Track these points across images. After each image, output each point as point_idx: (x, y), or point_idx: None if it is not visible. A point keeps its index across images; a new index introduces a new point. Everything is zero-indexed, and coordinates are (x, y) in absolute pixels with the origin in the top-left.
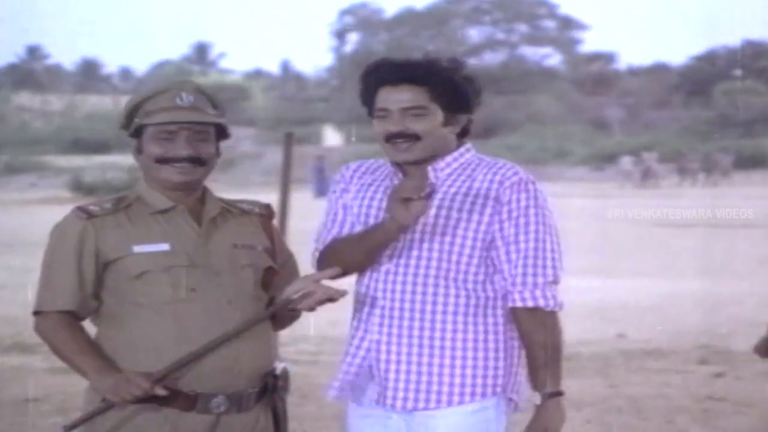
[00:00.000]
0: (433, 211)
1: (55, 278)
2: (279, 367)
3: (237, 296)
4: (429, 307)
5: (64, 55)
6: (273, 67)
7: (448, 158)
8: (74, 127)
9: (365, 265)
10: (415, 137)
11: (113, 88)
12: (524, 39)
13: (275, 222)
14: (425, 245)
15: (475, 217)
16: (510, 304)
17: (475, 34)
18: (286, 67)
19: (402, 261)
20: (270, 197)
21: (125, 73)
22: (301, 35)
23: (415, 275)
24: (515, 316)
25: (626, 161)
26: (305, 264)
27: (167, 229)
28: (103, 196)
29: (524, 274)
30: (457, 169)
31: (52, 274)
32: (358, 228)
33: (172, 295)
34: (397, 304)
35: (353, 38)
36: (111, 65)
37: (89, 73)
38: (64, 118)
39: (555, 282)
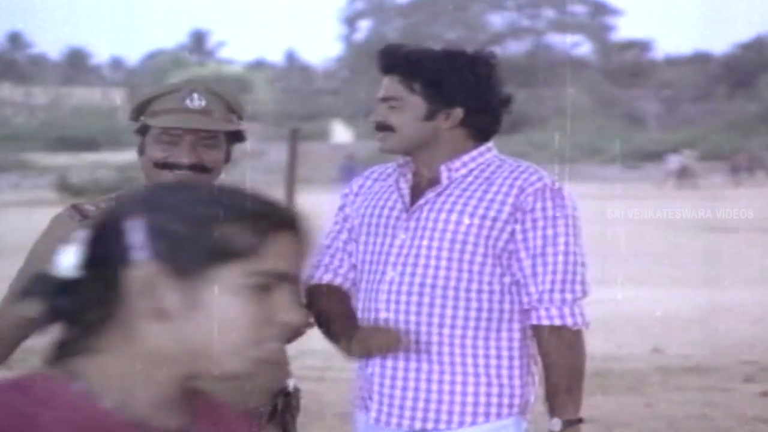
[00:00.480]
0: (443, 215)
1: None
2: (290, 384)
3: None
4: (437, 320)
5: (49, 43)
6: (277, 57)
7: (465, 158)
8: (60, 122)
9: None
10: (389, 128)
11: (103, 79)
12: (551, 26)
13: None
14: (433, 252)
15: (488, 223)
16: (533, 322)
17: (497, 20)
18: (291, 57)
19: (408, 269)
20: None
21: (116, 63)
22: (308, 22)
23: (422, 285)
24: (537, 334)
25: (673, 160)
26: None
27: None
28: (92, 197)
29: (551, 291)
30: (474, 170)
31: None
32: (352, 257)
33: None
34: (402, 317)
35: (364, 25)
36: (100, 55)
37: (76, 64)
38: (48, 112)
39: (583, 298)
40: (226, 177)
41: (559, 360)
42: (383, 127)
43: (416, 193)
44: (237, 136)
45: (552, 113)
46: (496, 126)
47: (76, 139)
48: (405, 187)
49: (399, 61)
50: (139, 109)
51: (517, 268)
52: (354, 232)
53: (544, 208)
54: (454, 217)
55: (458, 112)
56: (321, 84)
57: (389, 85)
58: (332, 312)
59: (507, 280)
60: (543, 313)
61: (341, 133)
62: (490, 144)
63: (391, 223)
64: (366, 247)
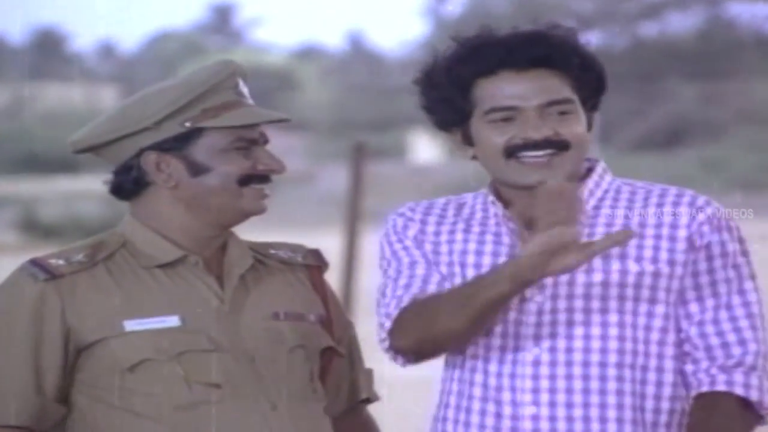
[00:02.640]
0: (597, 263)
1: (1, 373)
2: None
3: (284, 395)
4: (613, 413)
5: (9, 21)
6: (335, 41)
7: (590, 182)
8: (25, 133)
9: (467, 335)
10: (564, 146)
11: (86, 72)
12: None
13: (329, 275)
14: (595, 317)
15: (665, 269)
16: (703, 389)
17: None
18: (354, 40)
19: (560, 344)
20: (328, 240)
21: (104, 50)
22: None
23: (586, 365)
24: (701, 406)
25: None
26: (366, 337)
27: (174, 293)
28: (68, 240)
29: (744, 354)
30: (605, 199)
31: None
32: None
33: (187, 395)
34: (562, 411)
35: None
36: (82, 37)
37: (48, 50)
38: (8, 118)
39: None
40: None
41: None
42: (554, 144)
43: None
44: None
45: (731, 118)
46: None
47: (47, 158)
48: (514, 227)
49: (564, 51)
50: (179, 112)
51: (681, 315)
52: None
53: (722, 242)
54: (615, 264)
55: (596, 120)
56: (396, 79)
57: (550, 84)
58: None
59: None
60: (721, 377)
61: (424, 149)
62: (603, 163)
63: None
64: None
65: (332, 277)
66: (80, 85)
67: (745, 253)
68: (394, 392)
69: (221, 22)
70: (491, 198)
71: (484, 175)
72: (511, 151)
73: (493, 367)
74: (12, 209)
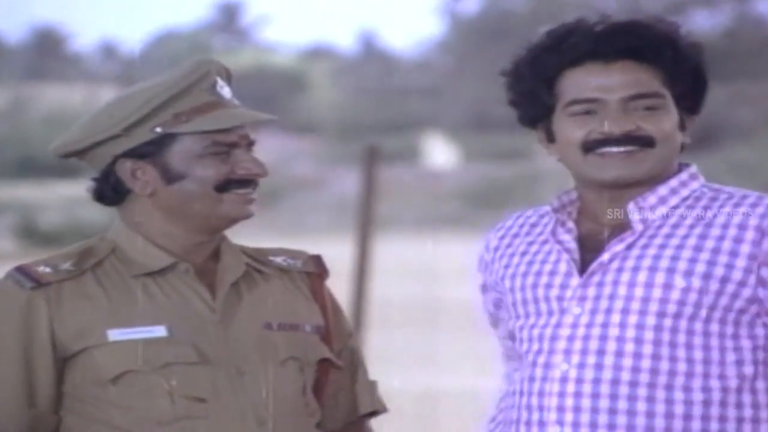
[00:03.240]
0: (642, 277)
1: None
2: None
3: (273, 410)
4: None
5: (9, 22)
6: (346, 41)
7: (662, 190)
8: (23, 135)
9: None
10: (648, 142)
11: (87, 73)
12: None
13: (331, 284)
14: (630, 333)
15: (714, 286)
16: None
17: None
18: (367, 40)
19: (590, 360)
20: (339, 247)
21: (106, 49)
22: None
23: (615, 383)
24: None
25: None
26: (377, 348)
27: (163, 302)
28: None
29: None
30: (678, 207)
31: None
32: (520, 322)
33: (169, 409)
34: None
35: None
36: (83, 36)
37: (48, 50)
38: (6, 121)
39: None
40: (268, 216)
41: None
42: (637, 140)
43: (591, 245)
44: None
45: (763, 119)
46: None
47: (46, 162)
48: (569, 239)
49: (651, 43)
50: (148, 117)
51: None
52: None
53: None
54: (660, 278)
55: (695, 122)
56: (410, 80)
57: (637, 77)
58: None
59: (747, 343)
60: None
61: (440, 153)
62: (694, 169)
63: (553, 294)
64: (521, 333)
65: (343, 286)
66: (81, 86)
67: None
68: (396, 406)
69: (228, 20)
70: (552, 206)
71: (501, 180)
72: (590, 147)
73: (526, 386)
74: (10, 215)
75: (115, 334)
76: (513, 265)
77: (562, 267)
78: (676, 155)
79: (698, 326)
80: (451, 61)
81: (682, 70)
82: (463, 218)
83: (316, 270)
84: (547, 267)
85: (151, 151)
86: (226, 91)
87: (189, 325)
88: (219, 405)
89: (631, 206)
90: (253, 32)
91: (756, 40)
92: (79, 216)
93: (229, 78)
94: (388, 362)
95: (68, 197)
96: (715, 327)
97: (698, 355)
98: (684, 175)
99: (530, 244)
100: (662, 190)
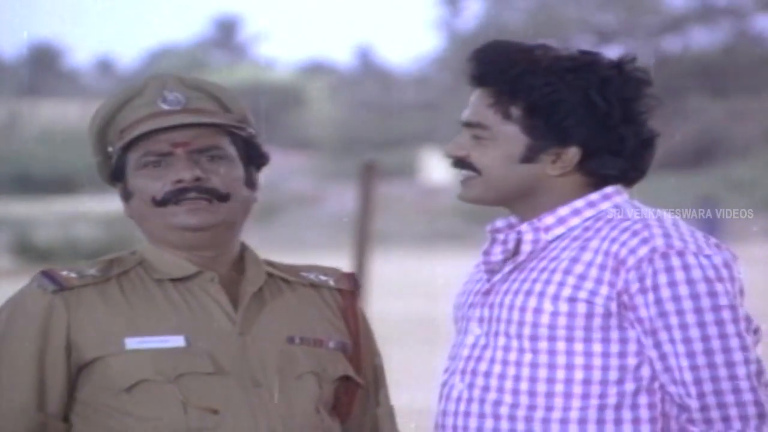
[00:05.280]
0: (519, 300)
1: (1, 386)
2: None
3: (287, 423)
4: None
5: (5, 38)
6: (343, 57)
7: (563, 210)
8: (19, 151)
9: None
10: (472, 168)
11: (83, 89)
12: (758, 4)
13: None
14: (512, 356)
15: (581, 309)
16: None
17: None
18: (364, 56)
19: (479, 382)
20: (336, 264)
21: (102, 65)
22: (388, 5)
23: (497, 404)
24: None
25: None
26: (398, 372)
27: (183, 311)
28: (68, 264)
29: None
30: (576, 229)
31: None
32: None
33: (182, 420)
34: None
35: (474, 8)
36: (79, 52)
37: (44, 66)
38: (3, 137)
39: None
40: (266, 233)
41: None
42: (464, 165)
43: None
44: (256, 156)
45: (760, 136)
46: (635, 173)
47: (42, 178)
48: (497, 260)
49: (492, 71)
50: (101, 137)
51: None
52: None
53: (656, 287)
54: (532, 302)
55: (572, 153)
56: (407, 95)
57: (476, 104)
58: None
59: (632, 362)
60: None
61: (437, 168)
62: (610, 189)
63: (469, 312)
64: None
65: None
66: (77, 102)
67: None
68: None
69: (225, 36)
70: (492, 225)
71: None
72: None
73: (439, 405)
74: (5, 232)
75: (132, 343)
76: (464, 282)
77: (481, 286)
78: (512, 182)
79: (578, 347)
80: (449, 76)
81: (519, 99)
82: (460, 234)
83: (348, 287)
84: (477, 286)
85: (121, 172)
86: (172, 101)
87: (208, 335)
88: (232, 417)
89: (524, 226)
90: (250, 48)
91: (754, 57)
92: (75, 232)
93: (194, 88)
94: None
95: (64, 214)
96: (597, 347)
97: (578, 375)
98: (595, 196)
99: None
100: (563, 210)
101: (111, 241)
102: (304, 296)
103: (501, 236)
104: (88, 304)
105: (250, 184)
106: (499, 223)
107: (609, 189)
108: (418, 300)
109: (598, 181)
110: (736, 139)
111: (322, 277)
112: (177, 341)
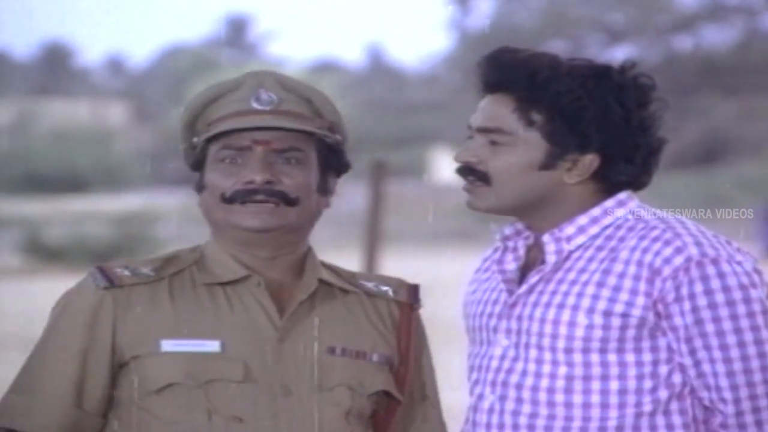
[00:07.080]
0: (551, 314)
1: (41, 378)
2: None
3: None
4: None
5: (17, 37)
6: (353, 55)
7: (582, 219)
8: (30, 151)
9: None
10: (483, 177)
11: (94, 88)
12: None
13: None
14: (546, 369)
15: (616, 322)
16: None
17: None
18: (374, 55)
19: (511, 394)
20: (346, 263)
21: (113, 64)
22: (399, 5)
23: (533, 417)
24: None
25: None
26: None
27: (226, 314)
28: (75, 263)
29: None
30: (598, 237)
31: (37, 371)
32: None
33: (206, 426)
34: None
35: (484, 7)
36: (89, 52)
37: (55, 65)
38: (12, 136)
39: None
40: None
41: None
42: (473, 173)
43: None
44: (336, 162)
45: None
46: (643, 178)
47: (52, 178)
48: (511, 269)
49: (515, 77)
50: (190, 126)
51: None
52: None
53: (692, 295)
54: (565, 316)
55: (590, 160)
56: (418, 94)
57: (494, 109)
58: None
59: (663, 370)
60: None
61: (448, 168)
62: (623, 195)
63: (492, 323)
64: (468, 361)
65: None
66: (88, 101)
67: (731, 299)
68: None
69: (235, 35)
70: (502, 233)
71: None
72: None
73: (469, 414)
74: (16, 231)
75: (168, 345)
76: (473, 291)
77: (502, 296)
78: (529, 191)
79: (612, 357)
80: (459, 76)
81: (543, 106)
82: (470, 233)
83: (407, 300)
84: (493, 296)
85: (201, 163)
86: (265, 101)
87: (245, 340)
88: (256, 426)
89: (546, 237)
90: (260, 47)
91: (765, 55)
92: (84, 231)
93: (290, 91)
94: None
95: (74, 212)
96: (630, 357)
97: (614, 386)
98: (610, 203)
99: (489, 270)
100: (582, 219)
101: (121, 240)
102: (357, 305)
103: (511, 243)
104: (135, 303)
105: (324, 190)
106: (507, 230)
107: (622, 195)
108: (427, 298)
109: (609, 188)
110: (746, 138)
111: (383, 287)
112: (212, 346)
